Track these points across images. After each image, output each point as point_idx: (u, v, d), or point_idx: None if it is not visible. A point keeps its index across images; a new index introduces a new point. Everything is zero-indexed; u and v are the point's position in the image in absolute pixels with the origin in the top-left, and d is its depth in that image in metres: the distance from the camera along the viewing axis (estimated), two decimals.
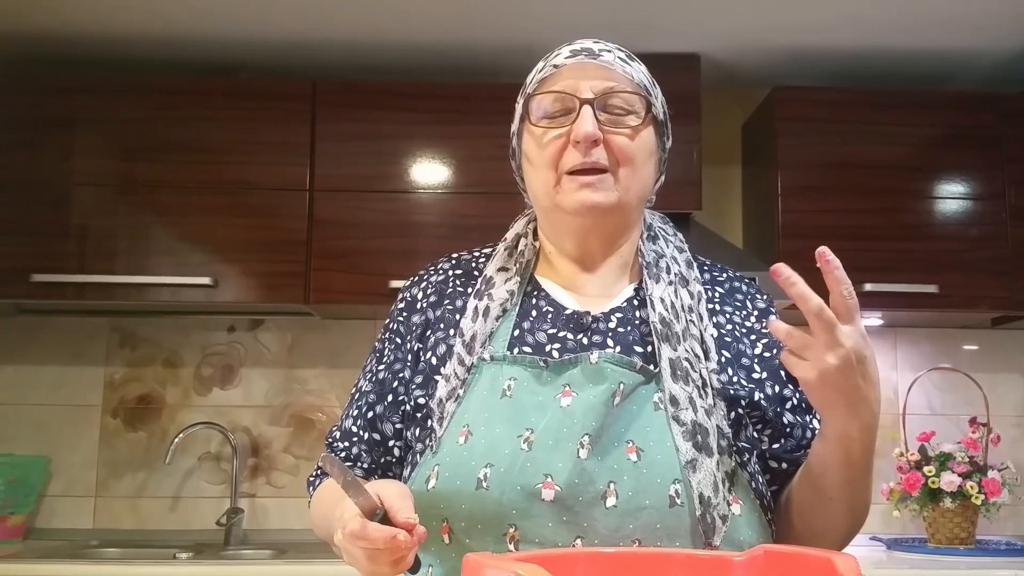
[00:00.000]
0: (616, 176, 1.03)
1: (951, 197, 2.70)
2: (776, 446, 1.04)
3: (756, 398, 1.02)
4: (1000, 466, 2.63)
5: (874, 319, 2.86)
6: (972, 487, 2.55)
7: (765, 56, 2.79)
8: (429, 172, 2.67)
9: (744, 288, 1.13)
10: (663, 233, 1.14)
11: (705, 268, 1.14)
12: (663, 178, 1.14)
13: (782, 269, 0.84)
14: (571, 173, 1.02)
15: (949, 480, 2.56)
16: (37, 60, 2.83)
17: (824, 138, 2.70)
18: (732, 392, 1.00)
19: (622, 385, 0.96)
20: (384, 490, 0.85)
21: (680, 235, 1.16)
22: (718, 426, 0.97)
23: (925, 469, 2.60)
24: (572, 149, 1.02)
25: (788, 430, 1.04)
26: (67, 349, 2.89)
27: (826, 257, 0.84)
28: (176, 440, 2.73)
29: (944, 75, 2.89)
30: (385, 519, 0.83)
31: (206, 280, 2.56)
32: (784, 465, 1.05)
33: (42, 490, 2.80)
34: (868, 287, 2.61)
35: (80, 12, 2.55)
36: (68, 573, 2.23)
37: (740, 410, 1.00)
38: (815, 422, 1.06)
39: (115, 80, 2.70)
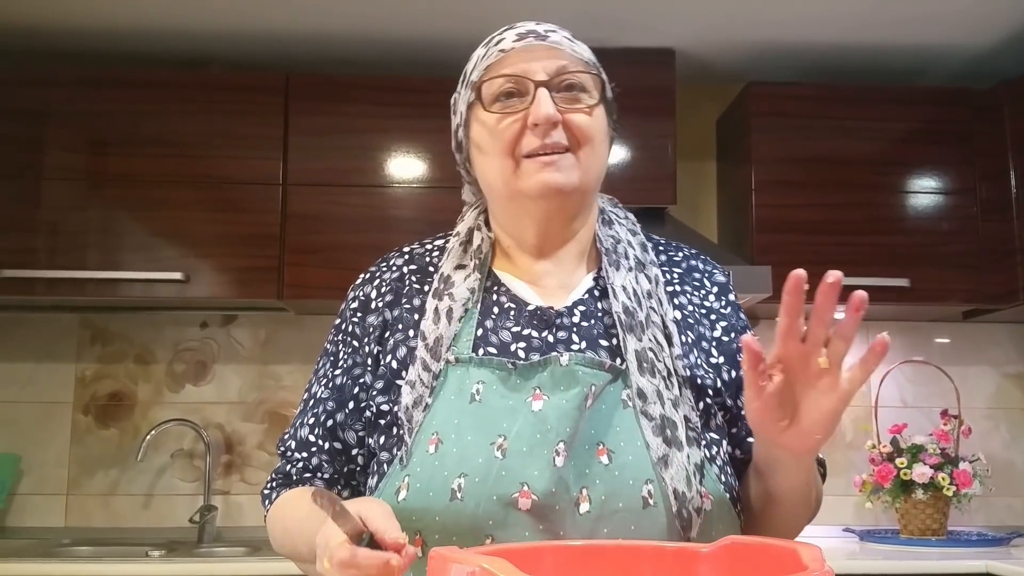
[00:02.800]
0: (577, 156, 0.99)
1: (923, 192, 2.73)
2: (733, 431, 1.03)
3: (717, 385, 1.01)
4: (971, 458, 2.66)
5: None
6: (944, 479, 2.58)
7: (739, 51, 2.81)
8: (404, 166, 2.66)
9: (701, 266, 1.11)
10: (615, 217, 1.11)
11: (660, 248, 1.12)
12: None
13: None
14: (530, 156, 0.99)
15: (921, 472, 2.58)
16: (7, 52, 2.78)
17: (798, 133, 2.72)
18: (699, 381, 0.99)
19: (593, 387, 0.94)
20: (367, 511, 0.81)
21: (631, 217, 1.13)
22: (685, 416, 0.96)
23: (897, 461, 2.63)
24: (530, 133, 0.98)
25: (743, 413, 1.01)
26: (37, 346, 2.85)
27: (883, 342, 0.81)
28: (148, 437, 2.70)
29: (916, 71, 2.92)
30: (371, 542, 0.79)
31: (178, 275, 2.54)
32: (738, 452, 1.04)
33: (13, 488, 2.77)
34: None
35: (51, 4, 2.52)
36: (40, 572, 2.21)
37: (708, 399, 0.99)
38: None
39: (86, 73, 2.67)
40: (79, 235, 2.57)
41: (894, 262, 2.68)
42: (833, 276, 0.80)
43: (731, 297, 1.09)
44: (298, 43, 2.75)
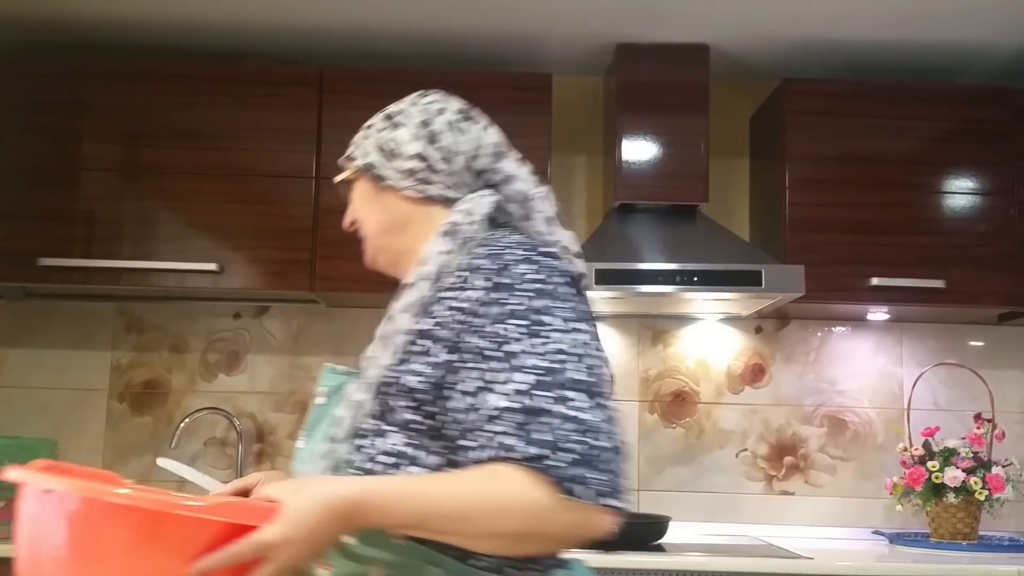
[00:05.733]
0: (365, 238, 1.28)
1: (959, 192, 2.69)
2: (444, 431, 1.04)
3: (402, 380, 1.04)
4: (1004, 462, 2.63)
5: (880, 314, 2.85)
6: (976, 483, 2.55)
7: (775, 48, 2.78)
8: None
9: (485, 264, 1.06)
10: (445, 237, 1.12)
11: (481, 252, 1.08)
12: (422, 177, 1.20)
13: None
14: None
15: (953, 475, 2.56)
16: (45, 45, 2.83)
17: (833, 131, 2.69)
18: (384, 379, 1.07)
19: (325, 388, 1.18)
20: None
21: (466, 232, 1.11)
22: (355, 416, 1.09)
23: (929, 464, 2.60)
24: None
25: (449, 417, 1.03)
26: (74, 333, 2.90)
27: None
28: (182, 425, 2.74)
29: (955, 69, 2.88)
30: None
31: (212, 266, 2.57)
32: (450, 455, 1.04)
33: None
34: (875, 281, 2.61)
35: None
36: None
37: (386, 396, 1.06)
38: (490, 398, 0.98)
39: (122, 65, 2.70)
40: (115, 225, 2.61)
41: (930, 263, 2.64)
42: None
43: (492, 294, 1.03)
44: (332, 37, 2.77)
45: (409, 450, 1.05)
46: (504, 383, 0.98)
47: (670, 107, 2.71)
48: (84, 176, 2.62)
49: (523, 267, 1.04)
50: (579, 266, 1.12)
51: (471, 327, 1.02)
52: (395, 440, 1.05)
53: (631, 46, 2.74)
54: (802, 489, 2.88)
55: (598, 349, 1.04)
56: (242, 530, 0.87)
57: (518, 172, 1.20)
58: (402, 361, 1.06)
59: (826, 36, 2.70)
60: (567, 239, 1.16)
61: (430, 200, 1.19)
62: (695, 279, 2.50)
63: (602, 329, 2.92)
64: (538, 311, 1.01)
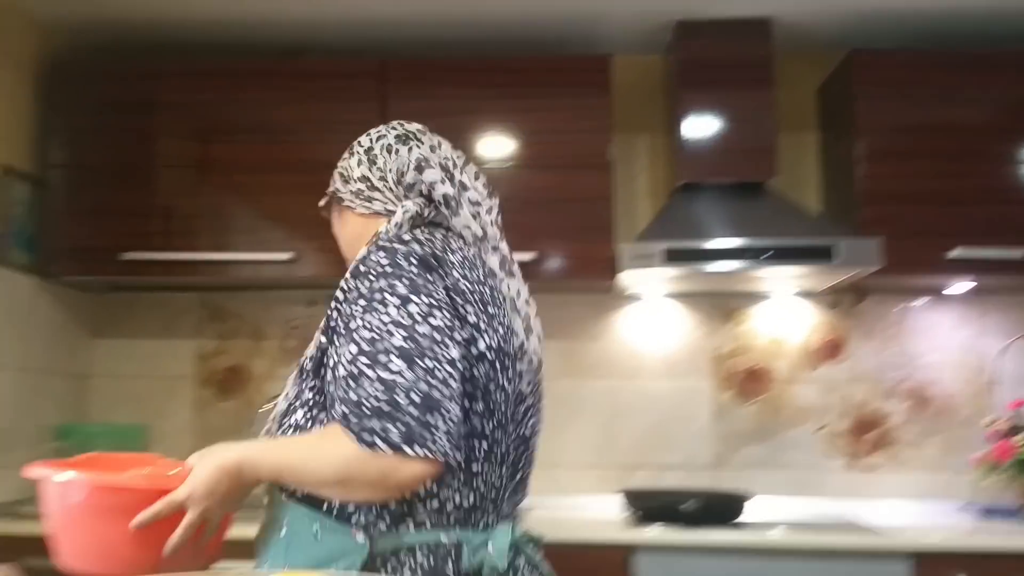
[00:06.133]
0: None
1: None
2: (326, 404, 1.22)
3: (305, 364, 1.24)
4: None
5: (962, 285, 2.76)
6: None
7: (841, 17, 2.70)
8: (498, 147, 2.68)
9: (359, 265, 1.23)
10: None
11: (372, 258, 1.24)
12: (366, 196, 1.36)
13: None
14: None
15: None
16: (121, 47, 2.93)
17: (905, 102, 2.60)
18: (299, 366, 1.26)
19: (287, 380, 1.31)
20: None
21: (377, 232, 1.28)
22: (288, 394, 1.28)
23: (1016, 438, 2.53)
24: None
25: (328, 389, 1.20)
26: (158, 323, 3.02)
27: None
28: (262, 410, 2.82)
29: None
30: None
31: (286, 256, 2.64)
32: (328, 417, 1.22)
33: None
34: (956, 252, 2.53)
35: (159, 1, 2.64)
36: None
37: (301, 381, 1.26)
38: (339, 369, 1.16)
39: (192, 64, 2.78)
40: (191, 219, 2.70)
41: (1011, 232, 2.55)
42: None
43: (351, 281, 1.21)
44: (392, 29, 2.80)
45: (302, 422, 1.24)
46: (344, 355, 1.15)
47: (732, 83, 2.66)
48: (161, 173, 2.72)
49: (377, 255, 1.21)
50: (441, 250, 1.25)
51: (340, 312, 1.20)
52: (299, 415, 1.25)
53: (691, 23, 2.69)
54: (886, 465, 2.82)
55: (444, 318, 1.16)
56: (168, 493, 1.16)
57: (439, 177, 1.33)
58: (317, 350, 1.24)
59: (894, 4, 2.61)
60: (473, 225, 1.33)
61: (376, 214, 1.36)
62: (764, 255, 2.46)
63: (670, 306, 2.91)
64: (379, 290, 1.17)
